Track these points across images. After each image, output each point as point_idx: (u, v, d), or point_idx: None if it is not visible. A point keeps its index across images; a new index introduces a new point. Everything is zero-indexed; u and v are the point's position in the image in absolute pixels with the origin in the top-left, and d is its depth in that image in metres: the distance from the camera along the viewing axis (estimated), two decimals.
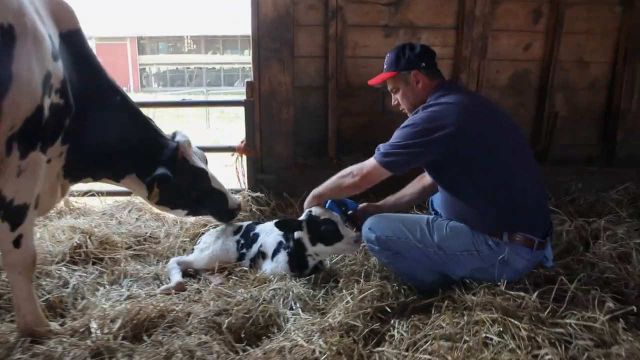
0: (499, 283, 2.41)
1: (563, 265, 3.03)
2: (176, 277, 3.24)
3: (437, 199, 2.89)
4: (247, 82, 4.15)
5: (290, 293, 2.76)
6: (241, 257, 3.41)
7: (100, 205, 4.34)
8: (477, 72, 4.52)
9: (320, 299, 2.75)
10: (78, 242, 3.35)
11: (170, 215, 3.93)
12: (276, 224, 3.00)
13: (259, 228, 3.48)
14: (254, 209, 4.05)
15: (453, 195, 2.53)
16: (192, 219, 3.86)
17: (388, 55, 2.75)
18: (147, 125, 3.06)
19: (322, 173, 3.19)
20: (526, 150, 2.57)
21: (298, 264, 3.05)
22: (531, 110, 4.80)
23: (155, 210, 3.85)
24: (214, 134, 12.38)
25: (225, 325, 2.49)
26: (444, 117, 2.40)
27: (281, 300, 2.71)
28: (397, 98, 2.78)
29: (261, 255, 3.33)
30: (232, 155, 4.25)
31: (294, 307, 2.68)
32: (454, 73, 4.55)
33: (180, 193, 3.10)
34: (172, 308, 2.70)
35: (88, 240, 3.37)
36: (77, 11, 2.71)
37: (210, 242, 3.58)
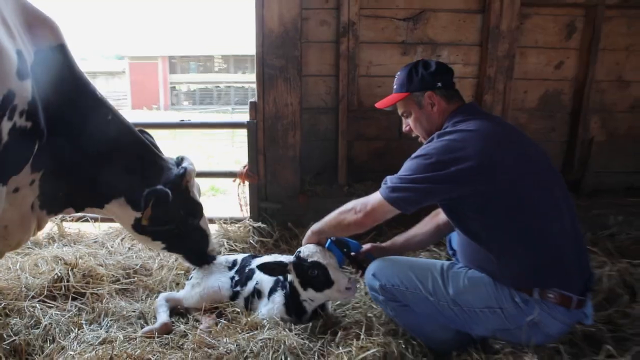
0: (526, 349, 1.99)
1: (605, 320, 2.58)
2: (162, 317, 2.92)
3: (456, 238, 2.50)
4: (251, 102, 3.86)
5: (282, 345, 2.40)
6: (235, 295, 3.07)
7: (94, 232, 4.09)
8: (503, 93, 4.13)
9: (316, 354, 2.38)
10: (59, 274, 3.08)
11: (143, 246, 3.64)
12: (258, 267, 2.67)
13: (256, 263, 3.14)
14: (254, 241, 3.72)
15: (473, 241, 2.15)
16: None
17: (399, 74, 2.40)
18: (144, 146, 2.78)
19: (331, 202, 2.88)
20: (560, 187, 2.15)
21: (295, 308, 2.69)
22: (563, 135, 4.36)
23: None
24: (238, 152, 12.28)
25: None
26: (463, 147, 2.02)
27: (270, 353, 2.35)
28: (408, 123, 2.42)
29: (257, 293, 2.98)
30: (234, 181, 3.95)
31: None
32: (477, 94, 4.17)
33: (168, 223, 2.80)
34: (147, 358, 2.39)
35: (69, 272, 3.09)
36: (63, 27, 2.49)
37: (202, 277, 3.26)
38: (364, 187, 4.00)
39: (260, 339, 2.46)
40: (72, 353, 2.44)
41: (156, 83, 39.97)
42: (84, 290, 3.05)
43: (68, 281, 3.06)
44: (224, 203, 5.28)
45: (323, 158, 4.11)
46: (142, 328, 2.83)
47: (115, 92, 37.76)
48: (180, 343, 2.62)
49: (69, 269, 3.14)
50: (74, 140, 2.47)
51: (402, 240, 2.68)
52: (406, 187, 2.06)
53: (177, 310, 3.10)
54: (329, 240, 2.62)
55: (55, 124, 2.36)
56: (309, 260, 2.53)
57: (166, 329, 2.82)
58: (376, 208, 2.17)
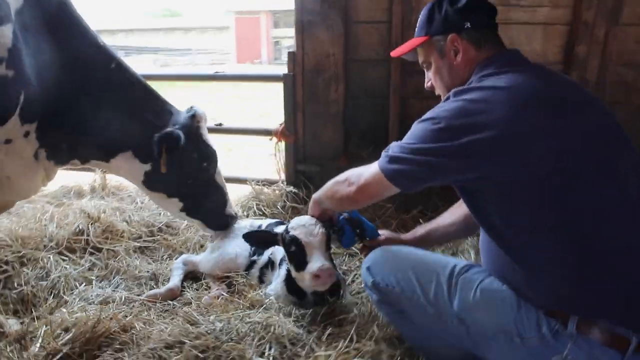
0: None
1: None
2: (173, 281, 2.78)
3: None
4: (289, 53, 3.46)
5: (270, 331, 2.10)
6: (251, 265, 2.82)
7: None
8: (604, 42, 3.27)
9: (305, 347, 2.04)
10: (80, 227, 3.05)
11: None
12: (244, 237, 2.35)
13: (281, 230, 2.85)
14: (286, 206, 3.41)
15: (494, 241, 1.61)
16: None
17: (421, 13, 1.86)
18: (151, 96, 2.60)
19: None
20: (636, 177, 1.49)
21: (294, 287, 2.36)
22: None
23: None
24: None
25: None
26: (483, 110, 1.46)
27: (255, 339, 2.07)
28: (430, 77, 1.88)
29: (270, 265, 2.71)
30: (270, 139, 3.63)
31: (266, 353, 2.01)
32: (567, 45, 3.36)
33: (183, 174, 2.60)
34: (133, 325, 2.24)
35: (89, 226, 3.04)
36: None
37: (222, 242, 3.05)
38: None
39: (249, 322, 2.18)
40: (64, 310, 2.36)
41: (260, 38, 40.66)
42: (101, 246, 3.00)
43: (88, 235, 3.02)
44: (259, 163, 4.98)
45: (371, 117, 3.61)
46: (150, 290, 2.72)
47: (222, 48, 39.17)
48: (182, 312, 2.45)
49: (91, 222, 3.10)
50: (71, 90, 2.32)
51: (423, 232, 2.17)
52: (406, 158, 1.56)
53: (195, 274, 2.95)
54: (342, 215, 2.23)
55: (48, 73, 2.21)
56: (289, 234, 2.19)
57: (171, 295, 2.66)
58: (370, 182, 1.70)
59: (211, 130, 4.75)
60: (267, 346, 2.03)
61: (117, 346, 2.14)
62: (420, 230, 2.20)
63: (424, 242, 2.17)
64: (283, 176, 3.64)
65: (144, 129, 2.51)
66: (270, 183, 3.62)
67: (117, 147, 2.54)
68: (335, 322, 2.19)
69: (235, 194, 3.59)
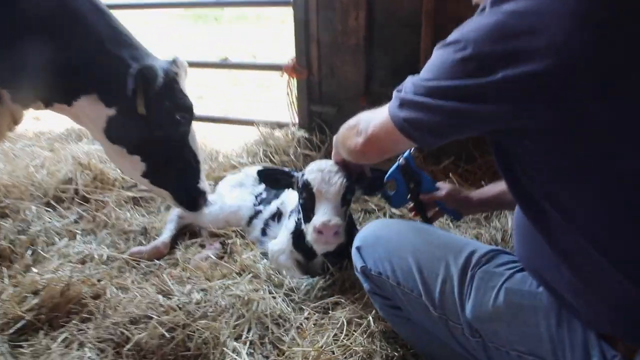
0: None
1: None
2: (162, 237, 2.49)
3: None
4: None
5: (252, 308, 1.76)
6: (255, 215, 2.47)
7: None
8: None
9: (291, 331, 1.70)
10: (69, 175, 2.78)
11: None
12: (258, 172, 2.06)
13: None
14: (298, 153, 3.00)
15: (532, 224, 1.13)
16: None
17: None
18: (118, 32, 2.17)
19: None
20: None
21: (303, 244, 1.98)
22: None
23: None
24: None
25: (130, 345, 1.65)
26: (533, 29, 0.96)
27: (233, 318, 1.74)
28: None
29: (278, 216, 2.35)
30: (282, 76, 3.15)
31: (243, 336, 1.69)
32: None
33: (151, 125, 2.19)
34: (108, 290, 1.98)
35: (77, 174, 2.76)
36: None
37: (224, 192, 2.72)
38: None
39: (231, 295, 1.85)
40: (35, 270, 2.13)
41: None
42: (89, 196, 2.72)
43: (77, 184, 2.75)
44: (268, 105, 4.44)
45: (399, 50, 3.05)
46: (139, 245, 2.44)
47: None
48: (167, 274, 2.16)
49: (81, 170, 2.82)
50: (26, 24, 1.97)
51: (498, 192, 1.66)
52: (420, 102, 1.09)
53: (193, 229, 2.65)
54: (396, 163, 1.79)
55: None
56: (303, 178, 1.86)
57: (157, 253, 2.38)
58: (378, 132, 1.25)
59: (216, 65, 4.28)
60: (246, 327, 1.70)
61: (85, 315, 1.89)
62: (493, 189, 1.70)
63: (497, 204, 1.72)
64: (295, 119, 3.19)
65: (112, 66, 2.10)
66: (280, 126, 3.19)
67: (79, 87, 2.15)
68: (332, 304, 1.81)
69: (241, 139, 3.21)
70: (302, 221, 1.90)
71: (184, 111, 2.20)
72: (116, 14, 2.22)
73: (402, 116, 1.14)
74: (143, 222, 2.64)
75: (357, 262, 1.47)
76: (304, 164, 3.01)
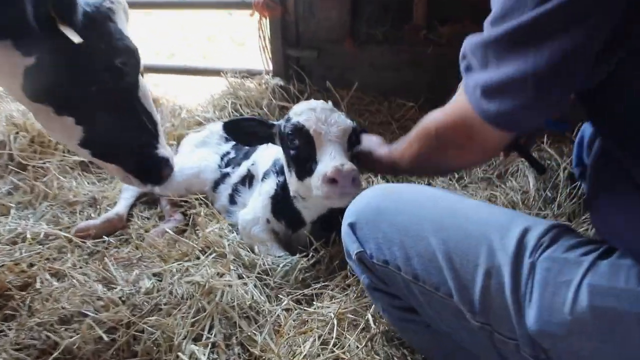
0: None
1: None
2: (117, 207, 2.11)
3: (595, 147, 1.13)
4: None
5: (217, 297, 1.40)
6: (222, 178, 2.09)
7: None
8: None
9: (267, 328, 1.34)
10: (1, 138, 2.34)
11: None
12: (224, 125, 1.64)
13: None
14: (273, 105, 2.58)
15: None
16: None
17: None
18: None
19: (395, 53, 2.22)
20: None
21: (286, 209, 1.67)
22: None
23: None
24: None
25: (58, 352, 1.30)
26: None
27: (192, 312, 1.38)
28: None
29: (249, 180, 1.98)
30: (252, 15, 2.67)
31: (204, 337, 1.33)
32: None
33: (81, 73, 1.70)
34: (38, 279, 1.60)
35: (11, 137, 2.32)
36: None
37: (186, 153, 2.32)
38: (453, 31, 2.52)
39: (189, 281, 1.48)
40: None
41: None
42: (26, 162, 2.30)
43: (11, 148, 2.32)
44: (241, 53, 3.90)
45: None
46: (86, 220, 2.05)
47: None
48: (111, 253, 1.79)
49: (15, 132, 2.37)
50: None
51: None
52: (513, 79, 0.78)
53: (153, 198, 2.26)
54: None
55: None
56: (291, 121, 1.51)
57: (111, 227, 2.00)
58: (477, 132, 0.91)
59: (175, 5, 3.70)
60: (208, 324, 1.35)
61: (9, 312, 1.52)
62: None
63: None
64: (269, 65, 2.75)
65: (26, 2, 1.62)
66: (252, 75, 2.75)
67: None
68: (317, 291, 1.46)
69: (207, 91, 2.77)
70: (296, 176, 1.51)
71: (124, 55, 1.73)
72: None
73: (495, 111, 0.83)
74: (92, 191, 2.25)
75: (350, 245, 1.08)
76: (280, 117, 2.61)
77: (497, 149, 1.01)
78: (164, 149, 1.78)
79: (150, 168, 1.75)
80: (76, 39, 1.55)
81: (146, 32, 4.31)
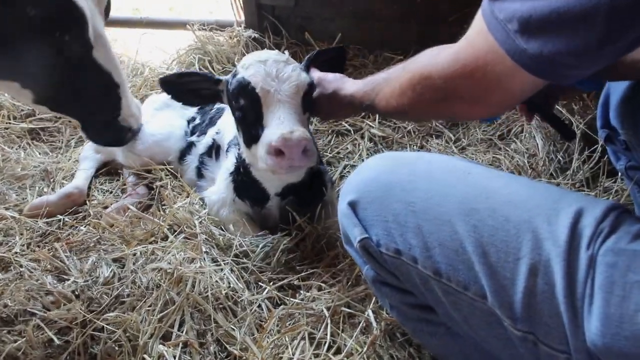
0: None
1: None
2: (76, 179, 1.88)
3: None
4: None
5: (188, 287, 1.21)
6: (188, 148, 1.87)
7: None
8: None
9: (247, 322, 1.16)
10: None
11: None
12: (161, 81, 1.42)
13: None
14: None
15: None
16: None
17: None
18: None
19: (380, 3, 2.04)
20: None
21: (248, 184, 1.46)
22: None
23: None
24: None
25: (0, 357, 1.11)
26: None
27: (159, 306, 1.19)
28: None
29: (215, 150, 1.75)
30: None
31: (173, 335, 1.15)
32: None
33: (16, 42, 1.42)
34: None
35: None
36: None
37: (148, 116, 2.06)
38: None
39: (155, 268, 1.28)
40: None
41: None
42: None
43: None
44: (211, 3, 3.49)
45: None
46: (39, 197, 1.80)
47: None
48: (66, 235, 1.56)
49: None
50: None
51: None
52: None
53: (115, 167, 2.02)
54: None
55: None
56: (237, 76, 1.28)
57: (68, 203, 1.78)
58: (500, 80, 0.72)
59: None
60: (177, 319, 1.16)
61: None
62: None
63: None
64: (241, 16, 2.45)
65: None
66: (221, 27, 2.45)
67: None
68: (303, 278, 1.27)
69: (172, 45, 2.47)
70: (244, 143, 1.32)
71: (64, 17, 1.44)
72: None
73: (538, 54, 0.64)
74: (44, 162, 1.99)
75: (350, 230, 0.88)
76: None
77: (518, 102, 0.84)
78: (129, 108, 1.57)
79: (108, 133, 1.58)
80: None
81: None
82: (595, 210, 0.68)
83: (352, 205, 0.87)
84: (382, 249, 0.83)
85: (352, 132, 2.00)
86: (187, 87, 1.39)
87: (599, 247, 0.64)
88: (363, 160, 1.83)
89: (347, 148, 1.94)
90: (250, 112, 1.24)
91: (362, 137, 1.96)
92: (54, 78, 1.46)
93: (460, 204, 0.76)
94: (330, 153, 1.94)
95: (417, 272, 0.79)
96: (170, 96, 1.43)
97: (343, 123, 2.04)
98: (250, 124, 1.25)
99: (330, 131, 2.04)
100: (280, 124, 1.16)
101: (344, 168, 1.83)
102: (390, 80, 0.97)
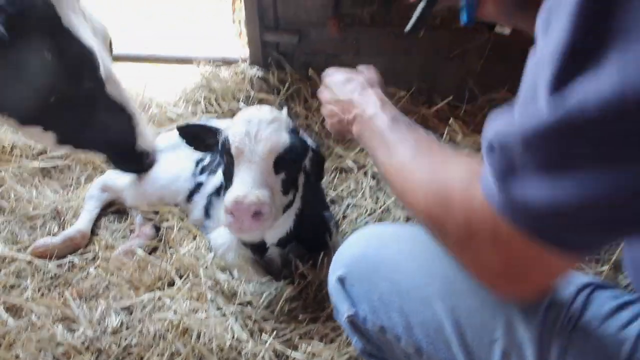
0: None
1: None
2: (80, 221, 1.91)
3: None
4: None
5: (193, 339, 1.24)
6: (197, 188, 1.90)
7: None
8: None
9: None
10: None
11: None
12: (178, 129, 1.48)
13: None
14: (251, 96, 2.36)
15: None
16: None
17: None
18: None
19: (384, 37, 2.11)
20: None
21: None
22: None
23: None
24: None
25: None
26: None
27: (166, 355, 1.22)
28: None
29: (223, 191, 1.78)
30: None
31: None
32: None
33: (28, 87, 1.48)
34: None
35: None
36: None
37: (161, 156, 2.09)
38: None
39: (161, 319, 1.31)
40: None
41: None
42: None
43: None
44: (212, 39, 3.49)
45: None
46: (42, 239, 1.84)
47: None
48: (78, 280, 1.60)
49: None
50: None
51: None
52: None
53: (122, 207, 2.05)
54: None
55: None
56: (224, 133, 1.32)
57: (73, 246, 1.82)
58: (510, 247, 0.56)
59: None
60: None
61: None
62: None
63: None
64: (246, 53, 2.51)
65: None
66: (227, 63, 2.51)
67: None
68: (306, 325, 1.30)
69: (178, 82, 2.53)
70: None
71: (76, 61, 1.50)
72: None
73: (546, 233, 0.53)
74: (55, 201, 2.03)
75: (339, 304, 0.91)
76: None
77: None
78: (143, 141, 1.67)
79: (130, 162, 1.72)
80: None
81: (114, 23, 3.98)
82: (568, 289, 0.69)
83: (341, 280, 0.90)
84: (368, 326, 0.86)
85: (356, 169, 2.03)
86: (194, 133, 1.44)
87: (573, 326, 0.66)
88: (366, 199, 1.86)
89: (350, 186, 1.96)
90: (228, 168, 1.27)
91: (365, 175, 1.99)
92: (73, 117, 1.54)
93: (442, 285, 0.78)
94: (333, 191, 1.97)
95: (400, 350, 0.82)
96: (186, 143, 1.47)
97: (347, 160, 2.07)
98: (227, 180, 1.28)
99: (333, 168, 2.07)
100: (239, 185, 1.18)
101: (347, 207, 1.86)
102: (422, 152, 0.76)
